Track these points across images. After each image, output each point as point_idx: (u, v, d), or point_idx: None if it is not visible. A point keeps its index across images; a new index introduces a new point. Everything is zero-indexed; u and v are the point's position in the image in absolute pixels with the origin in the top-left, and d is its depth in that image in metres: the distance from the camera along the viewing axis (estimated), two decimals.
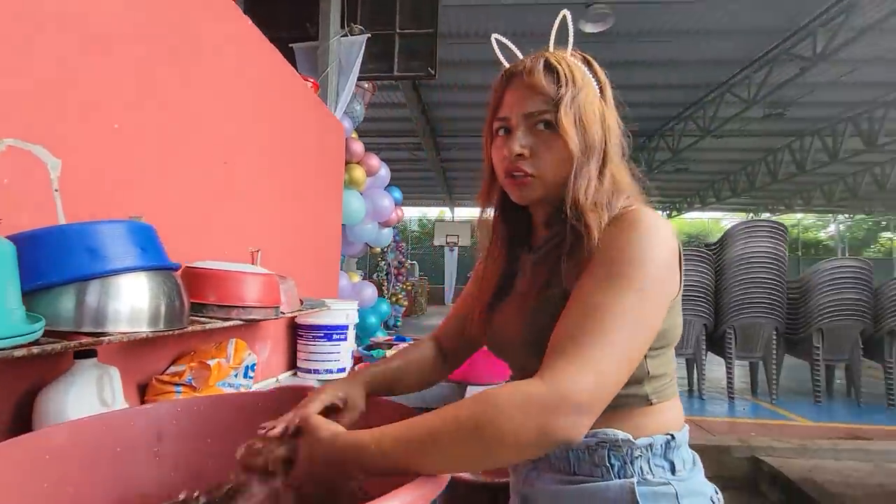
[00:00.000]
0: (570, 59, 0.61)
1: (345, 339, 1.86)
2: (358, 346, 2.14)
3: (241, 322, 1.01)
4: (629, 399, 0.57)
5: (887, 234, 16.56)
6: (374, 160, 2.95)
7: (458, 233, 15.20)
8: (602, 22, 4.97)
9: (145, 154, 1.00)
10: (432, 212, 17.16)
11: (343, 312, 1.84)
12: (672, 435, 0.58)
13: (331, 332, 1.81)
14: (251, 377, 1.25)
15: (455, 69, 6.10)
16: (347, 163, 2.68)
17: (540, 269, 0.62)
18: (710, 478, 0.62)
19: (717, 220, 17.41)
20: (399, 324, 7.87)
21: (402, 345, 2.16)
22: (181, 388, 1.08)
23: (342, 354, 1.85)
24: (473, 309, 0.71)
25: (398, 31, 3.40)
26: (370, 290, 3.12)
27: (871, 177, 10.02)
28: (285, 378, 1.79)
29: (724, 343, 3.50)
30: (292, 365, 1.87)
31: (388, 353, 2.03)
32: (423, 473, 0.43)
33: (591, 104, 0.59)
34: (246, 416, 0.72)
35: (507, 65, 0.65)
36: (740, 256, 3.36)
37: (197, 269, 0.97)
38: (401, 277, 8.20)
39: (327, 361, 1.81)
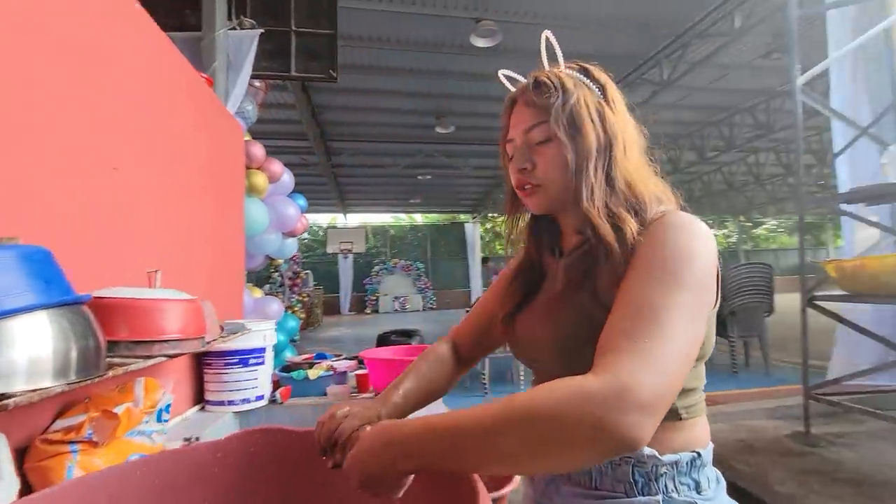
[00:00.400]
0: (560, 72, 0.64)
1: (263, 363, 1.69)
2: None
3: (166, 358, 0.85)
4: None
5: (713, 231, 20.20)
6: (277, 165, 2.74)
7: (353, 239, 14.84)
8: (491, 38, 5.26)
9: (14, 161, 0.80)
10: (323, 218, 16.48)
11: (260, 334, 1.67)
12: (698, 453, 0.57)
13: (247, 357, 1.63)
14: (166, 420, 1.07)
15: (346, 72, 5.95)
16: (247, 168, 2.45)
17: (571, 273, 0.63)
18: None
19: None
20: (297, 338, 7.39)
21: (324, 362, 2.03)
22: (78, 447, 0.88)
23: (261, 380, 1.68)
24: (498, 311, 0.73)
25: (294, 29, 3.21)
26: (275, 306, 2.89)
27: (701, 183, 12.15)
28: (193, 414, 1.57)
29: None
30: (199, 398, 1.65)
31: (310, 373, 1.90)
32: (467, 469, 0.41)
33: (586, 106, 0.60)
34: (205, 474, 0.61)
35: (545, 64, 0.68)
36: None
37: (105, 299, 0.80)
38: (296, 289, 7.72)
39: (244, 390, 1.63)
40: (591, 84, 0.64)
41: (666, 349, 0.44)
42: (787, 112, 6.81)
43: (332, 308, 14.20)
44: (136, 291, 0.86)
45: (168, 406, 1.08)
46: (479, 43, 5.31)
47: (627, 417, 0.39)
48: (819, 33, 3.61)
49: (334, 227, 15.32)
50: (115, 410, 0.92)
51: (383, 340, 3.25)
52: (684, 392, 0.57)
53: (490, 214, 17.12)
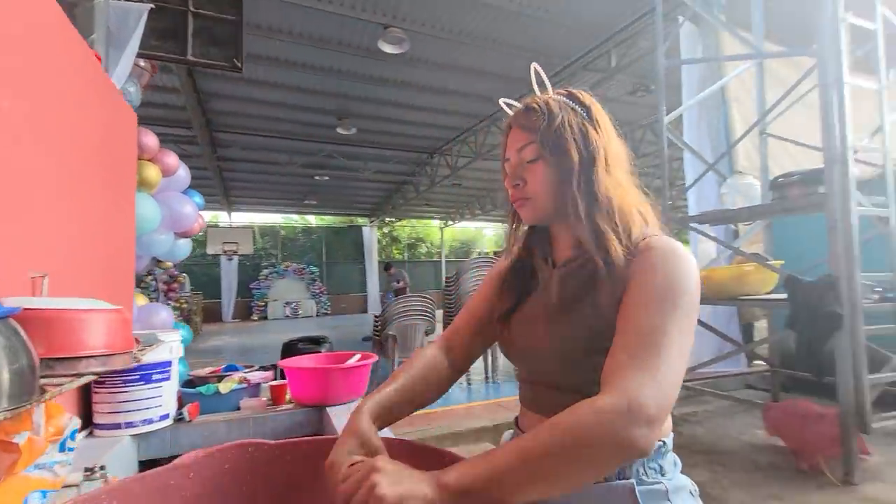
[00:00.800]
0: (549, 97, 0.71)
1: (168, 379, 1.53)
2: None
3: (95, 376, 0.75)
4: None
5: None
6: (172, 158, 2.47)
7: (238, 240, 13.67)
8: (399, 45, 5.32)
9: None
10: (204, 215, 14.89)
11: (167, 346, 1.50)
12: (664, 441, 0.65)
13: (150, 372, 1.46)
14: (71, 449, 0.93)
15: (244, 61, 5.54)
16: (138, 159, 2.17)
17: (568, 285, 0.68)
18: None
19: (481, 230, 20.49)
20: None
21: (235, 374, 1.88)
22: None
23: (165, 397, 1.51)
24: (488, 313, 0.78)
25: (192, 9, 2.92)
26: (164, 314, 2.58)
27: None
28: (81, 440, 1.35)
29: None
30: (86, 422, 1.42)
31: (221, 386, 1.75)
32: (521, 499, 0.46)
33: (569, 127, 0.67)
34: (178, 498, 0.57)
35: (537, 91, 0.76)
36: None
37: (25, 311, 0.68)
38: (172, 294, 6.89)
39: (146, 409, 1.45)
40: (577, 107, 0.70)
41: (665, 368, 0.52)
42: (647, 142, 7.94)
43: (213, 315, 12.89)
44: (51, 302, 0.75)
45: (74, 433, 0.93)
46: (387, 48, 5.34)
47: (639, 430, 0.47)
48: (677, 79, 4.34)
49: (216, 226, 13.94)
50: (14, 440, 0.78)
51: (290, 349, 3.08)
52: None
53: (388, 219, 17.10)
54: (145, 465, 1.49)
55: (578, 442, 0.47)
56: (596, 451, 0.47)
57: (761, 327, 4.45)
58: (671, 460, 0.66)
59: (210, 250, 13.18)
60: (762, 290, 2.75)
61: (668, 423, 0.67)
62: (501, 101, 0.81)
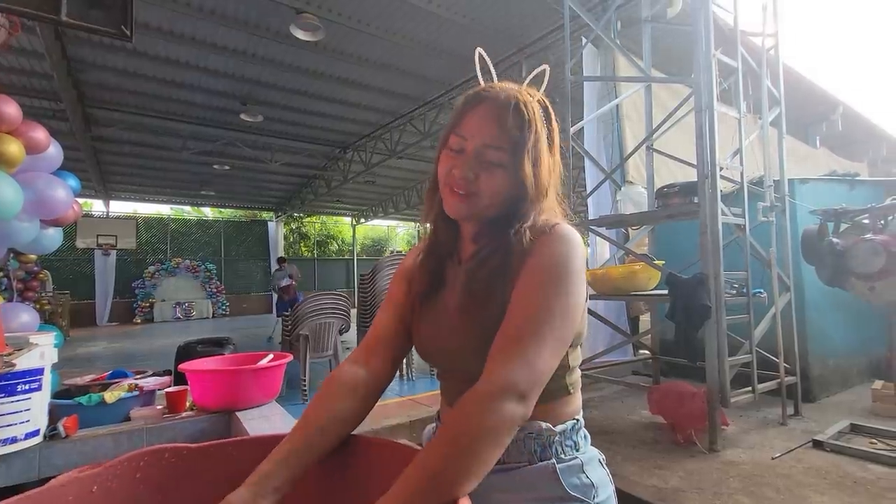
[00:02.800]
0: (535, 105, 0.67)
1: (39, 389, 1.32)
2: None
3: None
4: (554, 391, 0.66)
5: None
6: (40, 132, 2.11)
7: (117, 232, 12.10)
8: (313, 32, 5.10)
9: None
10: None
11: (37, 350, 1.29)
12: (577, 419, 0.70)
13: (15, 383, 1.25)
14: None
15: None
16: None
17: (474, 280, 0.67)
18: None
19: (393, 228, 20.37)
20: None
21: (124, 381, 1.67)
22: None
23: (34, 411, 1.31)
24: (405, 312, 0.75)
25: None
26: (27, 315, 2.19)
27: None
28: None
29: None
30: None
31: (107, 395, 1.55)
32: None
33: (545, 152, 0.67)
34: None
35: (481, 81, 0.71)
36: None
37: None
38: (31, 294, 5.86)
39: (7, 427, 1.23)
40: (547, 125, 0.68)
41: (540, 349, 0.57)
42: None
43: (85, 318, 11.23)
44: None
45: None
46: (300, 35, 5.09)
47: (513, 405, 0.54)
48: (579, 94, 4.72)
49: (90, 216, 12.15)
50: None
51: (187, 353, 2.80)
52: (570, 370, 0.69)
53: (296, 214, 16.27)
54: (5, 492, 1.26)
55: (473, 435, 0.52)
56: (489, 436, 0.52)
57: (645, 320, 5.03)
58: (583, 435, 0.71)
59: (80, 244, 11.47)
60: (648, 286, 3.11)
61: (579, 401, 0.72)
62: (478, 49, 0.76)
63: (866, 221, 2.51)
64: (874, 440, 2.53)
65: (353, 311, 4.16)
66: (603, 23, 3.74)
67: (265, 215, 15.68)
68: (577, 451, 0.68)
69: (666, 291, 2.70)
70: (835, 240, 2.53)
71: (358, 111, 7.60)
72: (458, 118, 0.68)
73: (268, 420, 1.56)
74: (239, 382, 1.61)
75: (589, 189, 4.13)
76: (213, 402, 1.61)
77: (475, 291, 0.67)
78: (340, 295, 3.86)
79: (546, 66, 0.74)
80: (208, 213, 16.17)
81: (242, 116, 7.37)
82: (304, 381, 3.62)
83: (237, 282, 14.51)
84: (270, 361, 1.79)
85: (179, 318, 12.76)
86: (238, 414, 1.59)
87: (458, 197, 0.66)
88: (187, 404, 1.73)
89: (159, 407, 1.69)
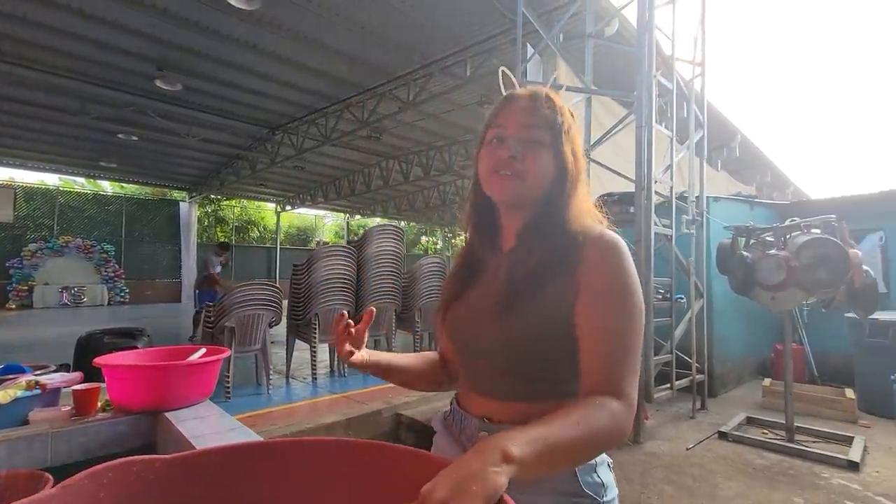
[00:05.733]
0: (561, 100, 0.73)
1: None
2: None
3: None
4: (576, 393, 0.65)
5: (424, 238, 23.53)
6: None
7: None
8: (247, 1, 4.73)
9: None
10: None
11: None
12: None
13: None
14: None
15: None
16: None
17: (519, 270, 0.69)
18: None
19: (321, 217, 19.58)
20: None
21: (21, 378, 1.40)
22: None
23: None
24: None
25: None
26: None
27: (423, 197, 14.10)
28: None
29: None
30: None
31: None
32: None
33: (579, 139, 0.72)
34: None
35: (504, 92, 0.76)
36: (376, 252, 4.11)
37: None
38: None
39: None
40: (574, 123, 0.73)
41: (638, 368, 0.62)
42: None
43: None
44: None
45: None
46: (234, 1, 4.68)
47: (630, 424, 0.59)
48: None
49: None
50: None
51: (91, 345, 2.44)
52: None
53: (213, 196, 15.02)
54: None
55: (600, 437, 0.55)
56: (607, 442, 0.56)
57: None
58: None
59: None
60: None
61: None
62: (501, 68, 0.83)
63: (770, 239, 2.86)
64: (766, 431, 2.89)
65: (285, 303, 3.91)
66: (553, 34, 3.87)
67: (177, 195, 14.28)
68: None
69: None
70: (745, 253, 2.84)
71: (291, 91, 7.17)
72: (492, 118, 0.73)
73: (204, 421, 1.39)
74: (170, 379, 1.43)
75: None
76: (136, 401, 1.41)
77: (519, 281, 0.68)
78: (272, 285, 3.60)
79: (503, 69, 0.82)
80: (108, 187, 14.37)
81: (157, 83, 6.61)
82: (228, 377, 3.34)
83: (140, 266, 13.06)
84: (204, 356, 1.62)
85: (67, 304, 11.22)
86: (168, 415, 1.40)
87: (505, 178, 0.68)
88: (100, 404, 1.50)
89: (65, 408, 1.45)
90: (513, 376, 0.70)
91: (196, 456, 0.57)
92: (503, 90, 0.79)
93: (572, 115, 0.73)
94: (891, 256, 4.03)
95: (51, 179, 13.42)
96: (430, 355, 0.88)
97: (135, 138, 8.94)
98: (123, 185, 14.16)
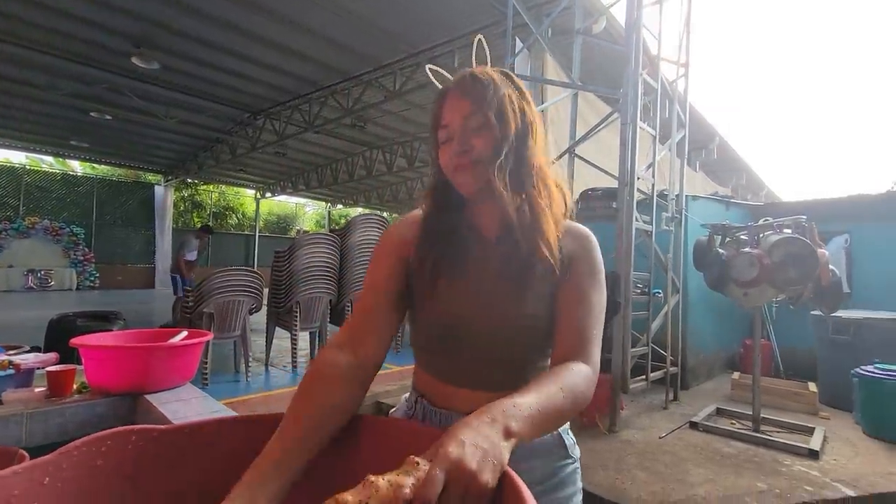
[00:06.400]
0: (490, 70, 0.73)
1: None
2: None
3: None
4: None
5: None
6: None
7: None
8: None
9: None
10: None
11: None
12: None
13: None
14: None
15: None
16: None
17: (512, 262, 0.71)
18: None
19: (302, 206, 19.29)
20: None
21: None
22: None
23: None
24: (402, 286, 0.74)
25: None
26: None
27: (406, 188, 14.03)
28: None
29: (344, 314, 4.15)
30: None
31: None
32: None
33: (509, 100, 0.70)
34: None
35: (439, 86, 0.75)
36: (359, 241, 4.09)
37: None
38: None
39: None
40: (513, 85, 0.73)
41: (601, 337, 0.69)
42: None
43: None
44: None
45: None
46: None
47: (594, 389, 0.64)
48: None
49: None
50: None
51: (64, 328, 2.36)
52: None
53: (190, 180, 14.64)
54: None
55: (578, 400, 0.59)
56: (581, 405, 0.60)
57: None
58: None
59: None
60: None
61: None
62: (428, 66, 0.83)
63: (744, 237, 2.95)
64: (734, 421, 3.00)
65: (266, 291, 3.85)
66: (543, 28, 3.88)
67: (152, 178, 13.87)
68: None
69: None
70: (720, 251, 2.94)
71: (274, 75, 7.01)
72: (437, 115, 0.73)
73: (186, 403, 1.38)
74: (152, 361, 1.41)
75: None
76: (116, 383, 1.39)
77: (514, 273, 0.71)
78: (253, 271, 3.55)
79: (480, 36, 0.83)
80: (78, 167, 13.84)
81: (134, 60, 6.37)
82: (206, 363, 3.29)
83: (112, 250, 12.66)
84: (185, 339, 1.59)
85: (33, 287, 10.82)
86: (148, 397, 1.38)
87: (464, 171, 0.70)
88: (76, 386, 1.47)
89: (39, 389, 1.41)
90: (503, 365, 0.71)
91: (192, 426, 0.57)
92: (474, 62, 0.80)
93: (507, 77, 0.74)
94: (855, 258, 4.21)
95: (17, 157, 12.88)
96: (331, 372, 0.63)
97: (108, 117, 8.63)
98: (95, 165, 13.66)
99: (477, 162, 0.69)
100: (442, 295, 0.72)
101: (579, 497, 0.79)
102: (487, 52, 0.77)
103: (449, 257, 0.72)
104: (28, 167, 12.31)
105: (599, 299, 0.71)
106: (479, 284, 0.72)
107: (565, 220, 0.76)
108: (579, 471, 0.80)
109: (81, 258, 11.82)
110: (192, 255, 6.94)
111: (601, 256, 0.75)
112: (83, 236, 11.97)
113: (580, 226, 0.77)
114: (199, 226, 10.19)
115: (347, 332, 0.69)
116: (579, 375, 0.60)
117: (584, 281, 0.71)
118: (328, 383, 0.61)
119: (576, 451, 0.80)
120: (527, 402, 0.50)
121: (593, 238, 0.76)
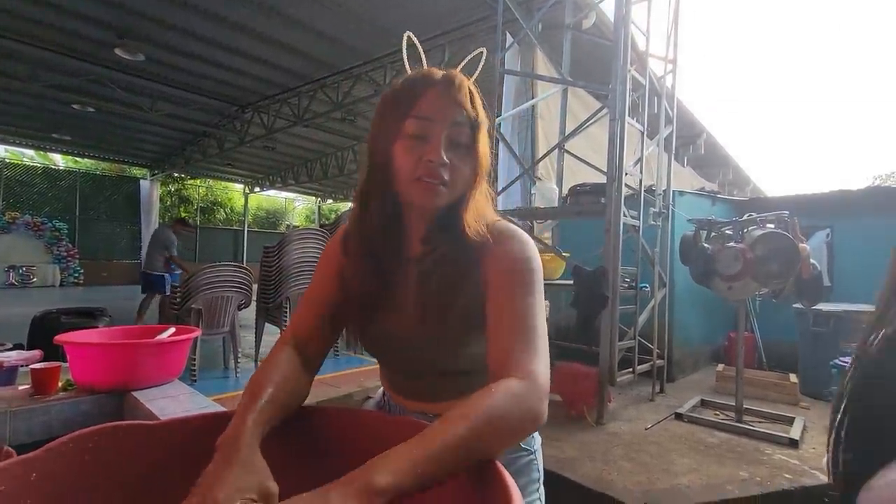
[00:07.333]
0: (475, 88, 0.67)
1: None
2: None
3: None
4: None
5: None
6: None
7: None
8: None
9: None
10: None
11: None
12: None
13: None
14: None
15: None
16: None
17: (435, 279, 0.67)
18: None
19: (291, 201, 19.11)
20: None
21: None
22: None
23: None
24: (339, 297, 0.71)
25: None
26: None
27: None
28: None
29: None
30: None
31: None
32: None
33: (488, 135, 0.67)
34: None
35: (407, 65, 0.69)
36: None
37: None
38: None
39: None
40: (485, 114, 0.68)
41: (542, 345, 0.59)
42: None
43: None
44: None
45: None
46: None
47: (543, 403, 0.53)
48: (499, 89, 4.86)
49: None
50: None
51: (47, 324, 2.33)
52: None
53: (177, 175, 14.43)
54: None
55: (501, 423, 0.49)
56: (517, 428, 0.51)
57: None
58: None
59: None
60: (555, 276, 3.36)
61: None
62: (407, 33, 0.70)
63: (729, 232, 3.00)
64: (717, 412, 3.07)
65: (255, 287, 3.83)
66: (533, 23, 3.89)
67: (137, 172, 13.64)
68: None
69: (571, 281, 2.94)
70: (706, 245, 2.98)
71: (263, 68, 6.93)
72: (410, 101, 0.63)
73: (175, 400, 1.37)
74: (138, 358, 1.39)
75: (501, 181, 4.31)
76: (102, 380, 1.37)
77: (436, 291, 0.66)
78: (242, 267, 3.52)
79: (483, 49, 0.74)
80: (60, 161, 13.56)
81: (117, 51, 6.25)
82: (195, 359, 3.27)
83: (96, 246, 12.46)
84: (173, 336, 1.58)
85: (13, 283, 10.61)
86: (136, 394, 1.37)
87: (434, 187, 0.62)
88: (60, 384, 1.46)
89: (23, 387, 1.39)
90: (449, 376, 0.71)
91: (179, 422, 0.57)
92: (406, 62, 0.70)
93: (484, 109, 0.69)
94: (836, 252, 4.31)
95: None
96: (282, 368, 0.65)
97: (91, 110, 8.46)
98: (78, 159, 13.42)
99: (446, 184, 0.62)
100: (370, 321, 0.71)
101: (536, 486, 0.77)
102: (422, 52, 0.72)
103: (375, 286, 0.69)
104: (8, 161, 12.04)
105: (528, 299, 0.62)
106: (402, 317, 0.69)
107: (496, 222, 0.69)
108: (536, 462, 0.78)
109: (65, 254, 11.61)
110: (175, 251, 6.77)
111: (530, 251, 0.66)
112: (66, 232, 11.76)
113: (507, 224, 0.69)
114: (179, 216, 9.88)
115: (293, 332, 0.72)
116: (496, 396, 0.50)
117: (506, 283, 0.63)
118: (285, 366, 0.65)
119: (533, 443, 0.78)
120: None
121: (518, 233, 0.67)
